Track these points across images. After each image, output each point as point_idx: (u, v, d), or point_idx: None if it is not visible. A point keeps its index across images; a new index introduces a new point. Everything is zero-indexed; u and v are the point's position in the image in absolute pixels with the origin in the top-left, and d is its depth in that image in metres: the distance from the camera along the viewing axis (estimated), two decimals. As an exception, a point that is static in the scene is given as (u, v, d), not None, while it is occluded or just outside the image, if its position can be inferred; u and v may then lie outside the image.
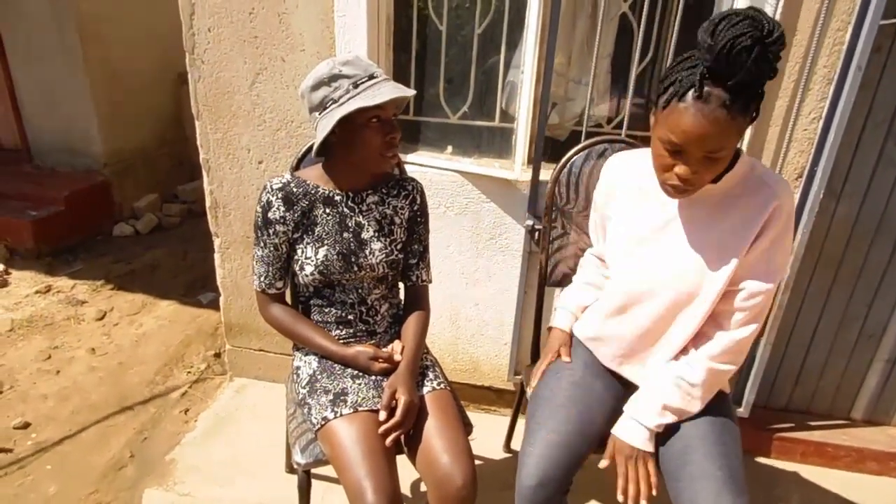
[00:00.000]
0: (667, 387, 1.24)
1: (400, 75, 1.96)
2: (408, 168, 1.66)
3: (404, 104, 1.32)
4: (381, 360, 1.36)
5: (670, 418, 1.24)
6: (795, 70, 1.65)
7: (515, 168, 1.89)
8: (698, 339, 1.25)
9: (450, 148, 2.02)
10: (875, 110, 1.75)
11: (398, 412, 1.26)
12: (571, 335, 1.50)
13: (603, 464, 1.26)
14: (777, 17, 1.58)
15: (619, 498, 1.20)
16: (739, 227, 1.15)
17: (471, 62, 1.91)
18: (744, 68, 0.95)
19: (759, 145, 1.74)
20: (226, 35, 1.87)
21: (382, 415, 1.27)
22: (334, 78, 1.23)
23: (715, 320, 1.22)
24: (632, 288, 1.29)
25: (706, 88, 0.99)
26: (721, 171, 1.09)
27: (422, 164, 1.95)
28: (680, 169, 1.07)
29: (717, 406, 1.28)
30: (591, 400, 1.35)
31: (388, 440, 1.25)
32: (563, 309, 1.52)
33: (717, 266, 1.16)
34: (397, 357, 1.37)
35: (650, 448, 1.24)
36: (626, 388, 1.38)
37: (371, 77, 1.24)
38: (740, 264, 1.15)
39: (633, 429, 1.25)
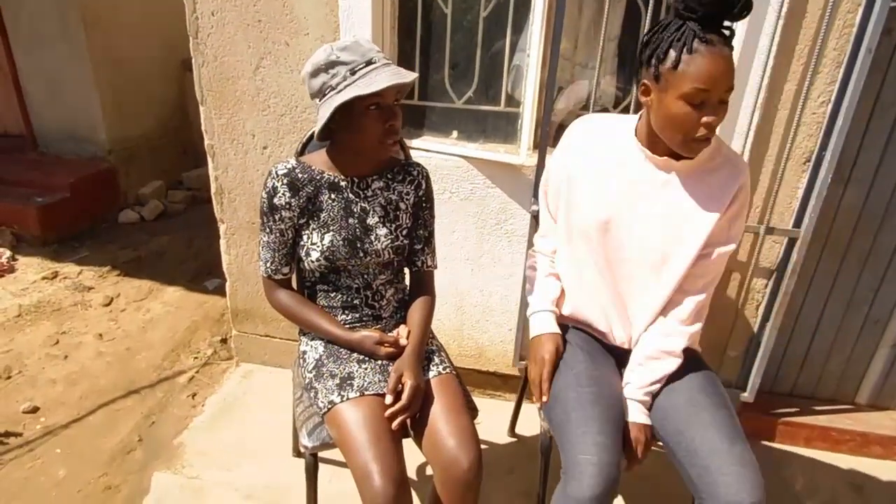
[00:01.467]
0: (651, 362, 1.34)
1: (404, 59, 1.95)
2: (413, 153, 1.66)
3: (407, 89, 1.30)
4: (386, 345, 1.37)
5: (657, 386, 1.35)
6: (804, 52, 1.63)
7: (521, 153, 1.88)
8: (666, 306, 1.36)
9: (455, 133, 2.01)
10: (884, 94, 1.74)
11: (404, 396, 1.27)
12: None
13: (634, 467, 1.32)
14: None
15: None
16: (712, 197, 1.26)
17: (476, 46, 1.89)
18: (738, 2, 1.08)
19: (768, 129, 1.73)
20: (229, 19, 1.85)
21: (389, 398, 1.28)
22: (332, 65, 1.22)
23: (679, 285, 1.33)
24: (610, 254, 1.35)
25: (706, 35, 1.09)
26: (724, 116, 1.17)
27: (427, 150, 1.94)
28: (707, 117, 1.13)
29: (696, 367, 1.38)
30: (608, 384, 1.36)
31: (395, 424, 1.26)
32: (542, 312, 1.45)
33: (692, 231, 1.27)
34: (403, 342, 1.38)
35: (648, 421, 1.34)
36: (622, 356, 1.45)
37: (369, 63, 1.22)
38: (714, 229, 1.26)
39: (635, 409, 1.33)
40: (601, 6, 1.76)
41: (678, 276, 1.30)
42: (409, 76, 1.22)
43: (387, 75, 1.20)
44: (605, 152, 1.32)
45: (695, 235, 1.27)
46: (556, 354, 1.38)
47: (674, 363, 1.34)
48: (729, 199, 1.26)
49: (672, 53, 1.12)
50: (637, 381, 1.34)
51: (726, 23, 1.12)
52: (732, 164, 1.27)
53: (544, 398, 1.36)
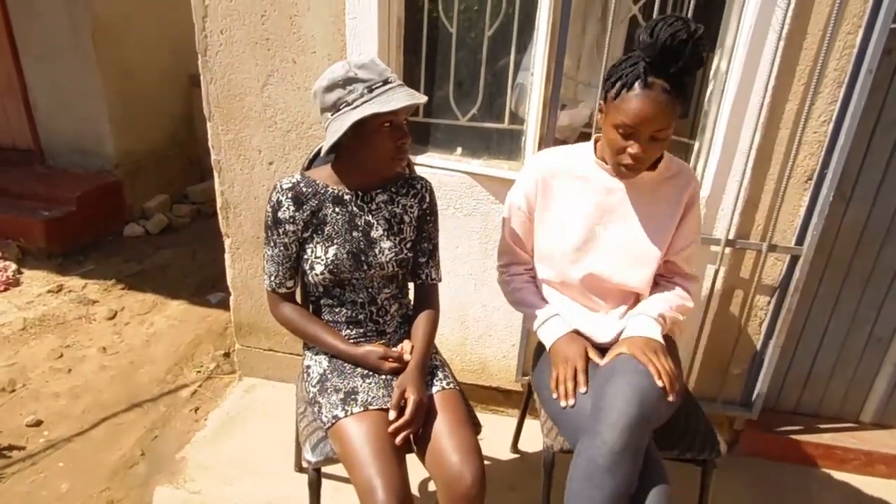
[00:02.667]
0: (664, 293, 1.46)
1: (410, 77, 1.98)
2: (417, 169, 1.67)
3: (414, 109, 1.34)
4: (390, 360, 1.37)
5: (669, 312, 1.41)
6: (805, 73, 1.65)
7: (524, 170, 1.90)
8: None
9: (459, 149, 2.03)
10: (885, 113, 1.75)
11: (407, 411, 1.27)
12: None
13: (604, 362, 1.34)
14: (787, 21, 1.58)
15: (658, 382, 1.24)
16: (672, 203, 1.40)
17: (480, 64, 1.92)
18: (683, 57, 1.16)
19: (769, 147, 1.74)
20: (238, 37, 1.88)
21: (392, 414, 1.28)
22: (349, 81, 1.25)
23: (670, 275, 1.50)
24: (592, 266, 1.44)
25: (650, 79, 1.19)
26: (661, 151, 1.31)
27: (431, 166, 1.96)
28: (633, 149, 1.24)
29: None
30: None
31: (398, 439, 1.26)
32: (554, 317, 1.48)
33: (660, 231, 1.41)
34: (407, 357, 1.38)
35: (662, 340, 1.35)
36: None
37: (386, 82, 1.25)
38: (677, 230, 1.42)
39: (645, 322, 1.38)
40: (604, 26, 1.79)
41: (650, 273, 1.43)
42: (422, 97, 1.26)
43: (403, 95, 1.24)
44: (572, 178, 1.42)
45: (662, 237, 1.41)
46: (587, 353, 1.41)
47: (675, 298, 1.45)
48: (684, 203, 1.40)
49: (618, 86, 1.23)
50: (645, 305, 1.43)
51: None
52: (683, 174, 1.41)
53: (571, 401, 1.34)
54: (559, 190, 1.44)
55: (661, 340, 1.34)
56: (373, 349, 1.38)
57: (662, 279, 1.51)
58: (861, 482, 2.05)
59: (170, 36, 4.00)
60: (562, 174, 1.43)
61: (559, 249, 1.45)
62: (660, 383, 1.22)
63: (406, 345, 1.42)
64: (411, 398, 1.29)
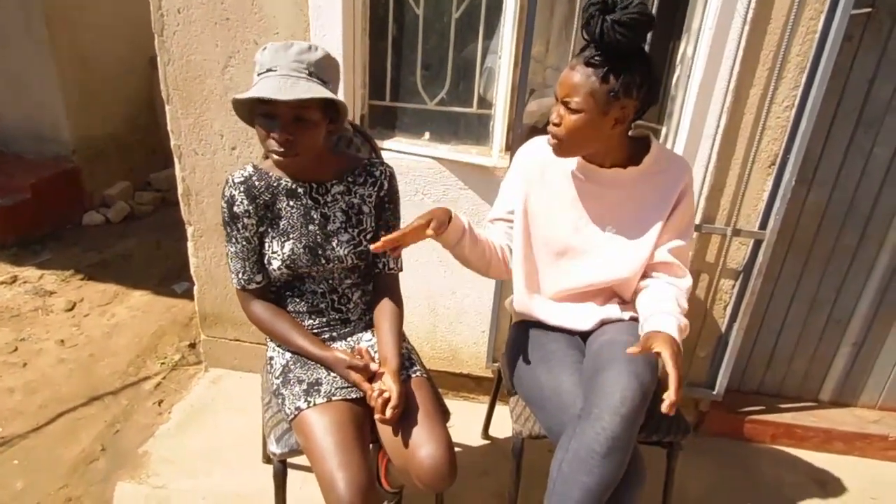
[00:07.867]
0: (670, 290, 1.37)
1: (377, 61, 1.93)
2: (384, 154, 1.64)
3: (314, 104, 1.21)
4: (356, 370, 1.30)
5: (683, 320, 1.32)
6: (769, 58, 1.66)
7: (493, 155, 1.88)
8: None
9: (427, 134, 2.00)
10: (846, 99, 1.78)
11: (391, 406, 1.24)
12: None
13: (633, 350, 1.20)
14: (752, 5, 1.59)
15: (673, 394, 1.13)
16: (660, 198, 1.37)
17: (448, 48, 1.89)
18: (592, 35, 1.18)
19: (734, 133, 1.76)
20: (196, 16, 1.81)
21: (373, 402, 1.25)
22: (256, 63, 1.24)
23: (664, 273, 1.42)
24: (575, 268, 1.43)
25: (587, 52, 1.21)
26: (571, 127, 1.25)
27: (399, 151, 1.93)
28: (552, 114, 1.28)
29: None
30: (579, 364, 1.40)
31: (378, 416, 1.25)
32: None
33: (647, 229, 1.38)
34: (373, 367, 1.31)
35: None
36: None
37: (269, 70, 1.20)
38: (665, 227, 1.37)
39: (670, 322, 1.27)
40: (572, 9, 1.78)
41: (640, 265, 1.39)
42: (289, 94, 1.14)
43: (266, 86, 1.16)
44: (557, 177, 1.41)
45: (650, 232, 1.37)
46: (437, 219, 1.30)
47: (681, 296, 1.37)
48: (675, 196, 1.36)
49: None
50: (664, 304, 1.32)
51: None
52: (676, 165, 1.38)
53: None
54: (549, 186, 1.41)
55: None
56: (341, 357, 1.31)
57: (655, 276, 1.42)
58: (820, 459, 2.11)
59: (128, 17, 3.85)
60: (560, 165, 1.40)
61: (544, 249, 1.44)
62: (668, 401, 1.12)
63: (367, 354, 1.35)
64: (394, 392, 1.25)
